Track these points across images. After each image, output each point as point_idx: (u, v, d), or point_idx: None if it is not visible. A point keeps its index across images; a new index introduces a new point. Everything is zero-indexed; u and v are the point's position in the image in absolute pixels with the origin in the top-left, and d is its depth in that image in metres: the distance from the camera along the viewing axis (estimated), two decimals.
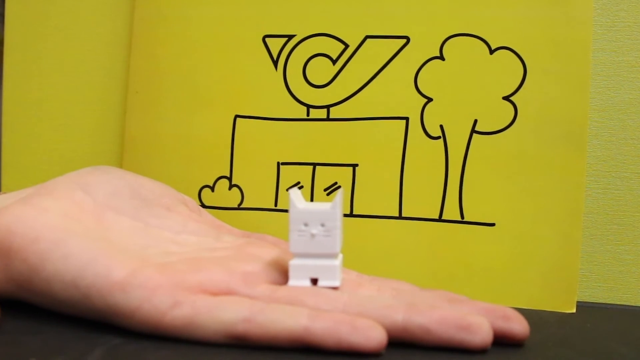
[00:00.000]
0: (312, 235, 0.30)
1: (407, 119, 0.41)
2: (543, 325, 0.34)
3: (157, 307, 0.28)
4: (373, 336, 0.26)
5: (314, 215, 0.30)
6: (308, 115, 0.42)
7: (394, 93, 0.41)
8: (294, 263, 0.30)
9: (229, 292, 0.29)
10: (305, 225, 0.30)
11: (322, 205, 0.30)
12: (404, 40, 0.41)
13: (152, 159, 0.44)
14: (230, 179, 0.43)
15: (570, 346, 0.30)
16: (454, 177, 0.40)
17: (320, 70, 0.42)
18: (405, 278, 0.35)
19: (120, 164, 0.46)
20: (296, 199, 0.30)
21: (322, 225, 0.30)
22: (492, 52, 0.40)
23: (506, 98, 0.39)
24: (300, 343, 0.27)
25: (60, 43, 0.48)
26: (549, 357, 0.28)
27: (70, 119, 0.48)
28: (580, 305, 0.39)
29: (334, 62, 0.42)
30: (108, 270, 0.28)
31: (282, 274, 0.31)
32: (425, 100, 0.40)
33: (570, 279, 0.38)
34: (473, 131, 0.40)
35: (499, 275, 0.39)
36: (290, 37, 0.42)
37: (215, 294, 0.29)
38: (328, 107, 0.42)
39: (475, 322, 0.27)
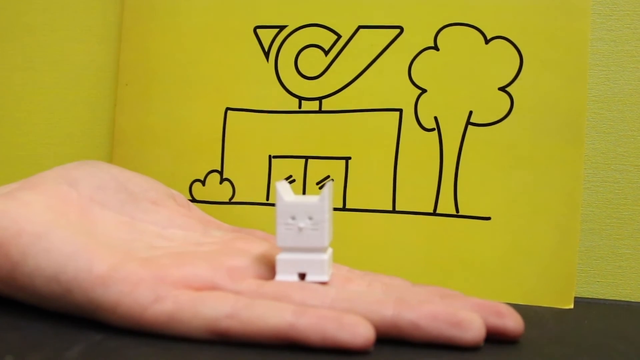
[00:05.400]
0: (300, 229, 0.29)
1: (400, 110, 0.40)
2: (540, 321, 0.33)
3: (138, 302, 0.27)
4: (360, 332, 0.26)
5: (301, 208, 0.29)
6: (300, 107, 0.41)
7: (387, 84, 0.40)
8: (281, 257, 0.29)
9: (213, 287, 0.28)
10: (293, 218, 0.29)
11: (310, 198, 0.30)
12: (398, 30, 0.40)
13: (142, 152, 0.44)
14: (221, 172, 0.42)
15: (567, 343, 0.30)
16: (449, 170, 0.39)
17: (313, 62, 0.41)
18: (399, 273, 0.34)
19: (110, 157, 0.45)
20: (283, 191, 0.29)
21: (310, 218, 0.29)
22: (487, 41, 0.39)
23: (502, 89, 0.39)
24: (284, 340, 0.26)
25: (49, 36, 0.48)
26: (545, 354, 0.27)
27: (59, 112, 0.48)
28: (578, 301, 0.38)
29: (326, 53, 0.41)
30: (90, 264, 0.28)
31: (270, 269, 0.31)
32: (420, 91, 0.40)
33: (568, 274, 0.37)
34: (468, 123, 0.39)
35: (495, 271, 0.38)
36: (281, 27, 0.42)
37: (199, 289, 0.28)
38: (320, 99, 0.41)
39: (467, 318, 0.27)
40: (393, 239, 0.40)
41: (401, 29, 0.40)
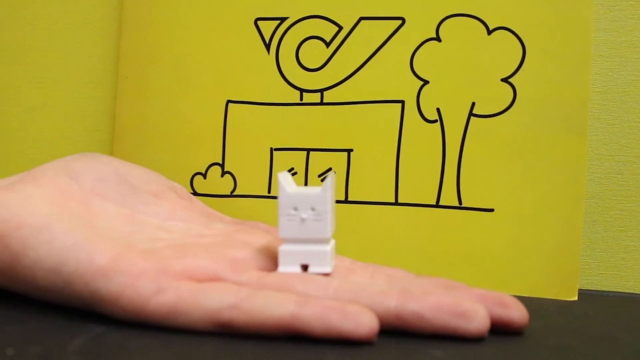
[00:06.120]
0: (302, 220, 0.29)
1: (402, 102, 0.40)
2: (544, 313, 0.33)
3: (140, 294, 0.27)
4: (364, 323, 0.25)
5: (303, 199, 0.29)
6: (301, 99, 0.41)
7: (389, 76, 0.40)
8: (283, 249, 0.29)
9: (216, 279, 0.28)
10: (295, 209, 0.29)
11: (312, 189, 0.29)
12: (399, 22, 0.40)
13: (143, 145, 0.43)
14: (222, 165, 0.42)
15: (571, 334, 0.29)
16: (452, 162, 0.39)
17: (314, 54, 0.41)
18: (402, 266, 0.34)
19: (110, 150, 0.45)
20: (285, 182, 0.29)
21: (313, 209, 0.29)
22: (490, 32, 0.39)
23: (505, 80, 0.38)
24: (288, 330, 0.26)
25: (48, 28, 0.47)
26: (549, 345, 0.27)
27: (59, 106, 0.47)
28: (582, 292, 0.38)
29: (328, 44, 0.41)
30: (91, 256, 0.28)
31: (273, 261, 0.30)
32: (422, 82, 0.39)
33: (572, 266, 0.37)
34: (471, 114, 0.39)
35: (499, 263, 0.38)
36: (282, 19, 0.41)
37: (201, 280, 0.28)
38: (322, 91, 0.41)
39: (471, 309, 0.26)
40: (396, 231, 0.39)
41: (403, 20, 0.40)
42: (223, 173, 0.42)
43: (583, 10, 0.37)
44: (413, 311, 0.26)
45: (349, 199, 0.40)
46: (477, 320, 0.26)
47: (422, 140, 0.39)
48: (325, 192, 0.29)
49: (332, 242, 0.30)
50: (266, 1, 0.42)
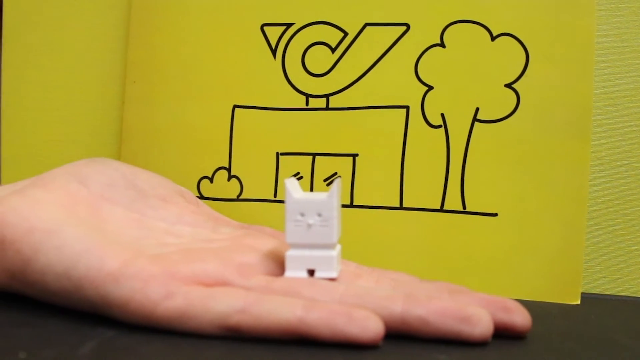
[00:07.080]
0: (309, 226, 0.29)
1: (407, 107, 0.40)
2: (546, 317, 0.33)
3: (149, 298, 0.27)
4: (370, 327, 0.26)
5: (310, 204, 0.29)
6: (307, 104, 0.41)
7: (394, 81, 0.40)
8: (290, 254, 0.30)
9: (223, 283, 0.29)
10: (302, 215, 0.29)
11: (319, 195, 0.30)
12: (404, 28, 0.40)
13: (150, 150, 0.44)
14: (229, 169, 0.42)
15: (574, 338, 0.30)
16: (456, 167, 0.39)
17: (320, 59, 0.41)
18: (406, 270, 0.34)
19: (118, 155, 0.46)
20: (292, 188, 0.30)
21: (319, 215, 0.29)
22: (493, 38, 0.39)
23: (508, 85, 0.39)
24: (295, 334, 0.26)
25: (58, 34, 0.48)
26: (552, 349, 0.28)
27: (68, 110, 0.48)
28: (584, 296, 0.38)
29: (333, 50, 0.41)
30: (101, 261, 0.28)
31: (279, 265, 0.31)
32: (426, 88, 0.40)
33: (575, 270, 0.38)
34: (475, 119, 0.39)
35: (502, 267, 0.38)
36: (288, 25, 0.42)
37: (209, 285, 0.28)
38: (327, 96, 0.41)
39: (475, 314, 0.27)
40: (400, 235, 0.40)
41: (407, 26, 0.40)
42: (230, 177, 0.42)
43: (586, 16, 0.38)
44: (418, 316, 0.27)
45: (354, 204, 0.41)
46: (481, 325, 0.27)
47: (426, 145, 0.40)
48: (332, 198, 0.29)
49: (338, 247, 0.31)
50: (272, 7, 0.42)
